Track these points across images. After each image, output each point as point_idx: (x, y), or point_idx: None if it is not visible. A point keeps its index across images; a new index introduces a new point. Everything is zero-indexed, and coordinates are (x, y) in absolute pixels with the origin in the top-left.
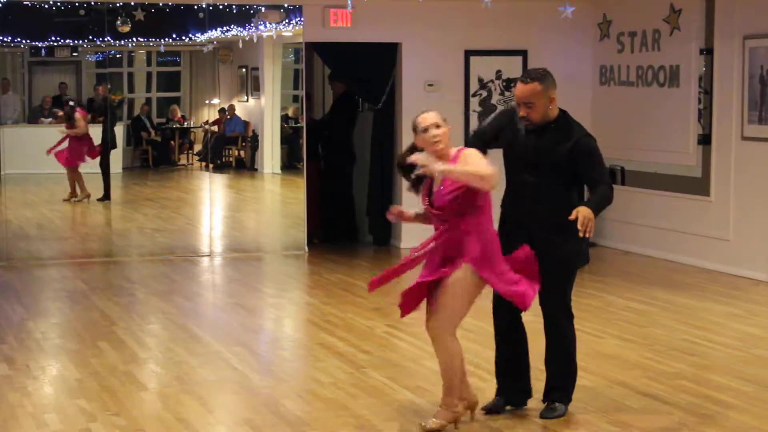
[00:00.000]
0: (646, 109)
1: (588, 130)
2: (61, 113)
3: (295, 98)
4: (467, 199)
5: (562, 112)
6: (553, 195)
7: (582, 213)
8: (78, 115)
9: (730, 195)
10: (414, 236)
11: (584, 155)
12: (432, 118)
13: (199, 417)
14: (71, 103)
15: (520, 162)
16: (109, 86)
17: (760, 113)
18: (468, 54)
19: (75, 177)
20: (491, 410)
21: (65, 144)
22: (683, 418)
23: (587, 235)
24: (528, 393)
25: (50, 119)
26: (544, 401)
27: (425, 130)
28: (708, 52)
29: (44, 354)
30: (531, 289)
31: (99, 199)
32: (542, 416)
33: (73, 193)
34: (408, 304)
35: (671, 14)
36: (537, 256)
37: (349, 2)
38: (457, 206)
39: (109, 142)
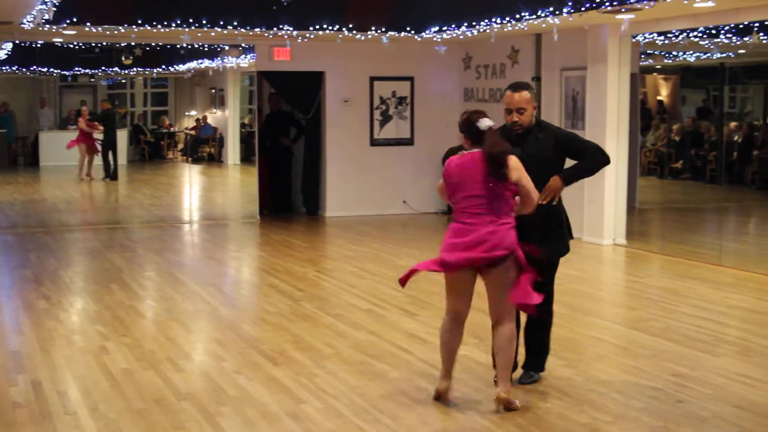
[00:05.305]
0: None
1: (455, 139)
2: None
3: (250, 110)
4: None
5: (538, 118)
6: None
7: (549, 185)
8: (80, 119)
9: None
10: (337, 207)
11: (568, 138)
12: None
13: (182, 337)
14: (77, 110)
15: None
16: (116, 102)
17: (572, 122)
18: (372, 79)
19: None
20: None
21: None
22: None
23: (543, 202)
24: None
25: (74, 126)
26: (524, 368)
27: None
28: (538, 79)
29: (71, 293)
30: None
31: (104, 179)
32: (521, 382)
33: (80, 174)
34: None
35: (512, 52)
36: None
37: (288, 43)
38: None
39: (110, 142)
